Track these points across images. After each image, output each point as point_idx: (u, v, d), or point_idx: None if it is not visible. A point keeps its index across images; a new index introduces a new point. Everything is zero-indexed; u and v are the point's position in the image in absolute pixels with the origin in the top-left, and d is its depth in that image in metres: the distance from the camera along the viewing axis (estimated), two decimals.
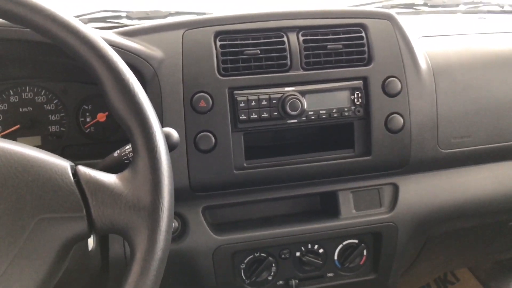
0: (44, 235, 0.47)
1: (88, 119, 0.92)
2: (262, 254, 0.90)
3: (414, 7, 1.34)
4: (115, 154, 0.64)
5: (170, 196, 0.50)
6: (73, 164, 0.52)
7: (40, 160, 0.49)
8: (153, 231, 0.48)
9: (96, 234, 0.50)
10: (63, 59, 0.83)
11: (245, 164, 0.85)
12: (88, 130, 0.92)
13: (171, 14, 1.25)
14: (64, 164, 0.50)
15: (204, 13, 1.30)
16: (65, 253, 0.49)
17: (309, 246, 0.92)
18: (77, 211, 0.48)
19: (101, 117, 0.92)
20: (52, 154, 0.52)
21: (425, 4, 1.35)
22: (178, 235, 0.85)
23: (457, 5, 1.34)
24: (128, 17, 1.15)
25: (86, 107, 0.92)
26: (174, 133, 0.60)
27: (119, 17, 1.14)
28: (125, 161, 0.63)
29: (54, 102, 0.91)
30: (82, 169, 0.51)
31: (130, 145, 0.63)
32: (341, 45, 0.86)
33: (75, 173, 0.50)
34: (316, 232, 0.91)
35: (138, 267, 0.46)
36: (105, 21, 1.10)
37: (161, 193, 0.49)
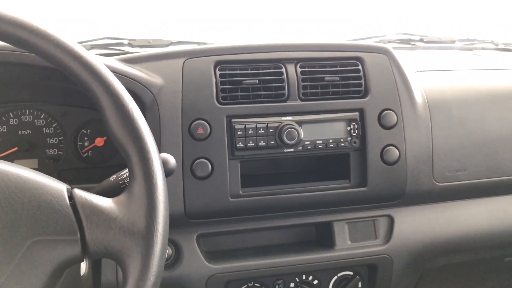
0: (37, 257, 0.46)
1: (86, 144, 0.92)
2: (256, 284, 0.89)
3: (411, 43, 1.37)
4: (112, 178, 0.64)
5: (165, 221, 0.50)
6: (69, 187, 0.52)
7: (37, 182, 0.49)
8: (147, 256, 0.47)
9: (89, 258, 0.50)
10: (63, 83, 0.85)
11: (241, 192, 0.85)
12: (86, 154, 0.92)
13: (172, 43, 1.28)
14: (60, 187, 0.50)
15: (205, 43, 1.33)
16: (57, 276, 0.49)
17: (304, 277, 0.91)
18: (71, 234, 0.48)
19: (99, 141, 0.92)
20: (49, 177, 0.52)
21: (421, 40, 1.38)
22: (171, 262, 0.85)
23: (453, 42, 1.37)
24: (130, 45, 1.18)
25: (85, 132, 0.92)
26: (171, 159, 0.61)
27: (121, 44, 1.16)
28: (122, 186, 0.63)
29: (53, 125, 0.91)
30: (78, 192, 0.51)
31: (127, 170, 0.63)
32: (338, 77, 0.88)
33: (71, 196, 0.50)
34: (311, 263, 0.90)
35: None
36: (107, 48, 1.12)
37: (156, 218, 0.49)
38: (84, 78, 0.52)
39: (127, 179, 0.63)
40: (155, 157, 0.51)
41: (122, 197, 0.51)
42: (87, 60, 0.52)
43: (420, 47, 1.35)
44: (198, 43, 1.33)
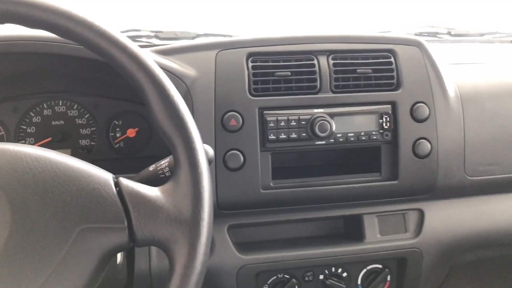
0: (86, 244, 0.47)
1: (118, 134, 0.93)
2: (285, 276, 0.90)
3: (438, 36, 1.35)
4: (151, 168, 0.65)
5: (211, 210, 0.50)
6: (114, 176, 0.53)
7: (84, 171, 0.50)
8: (194, 244, 0.48)
9: (135, 246, 0.50)
10: (97, 74, 0.86)
11: (271, 184, 0.85)
12: (118, 145, 0.93)
13: (198, 35, 1.28)
14: (107, 176, 0.51)
15: (231, 35, 1.33)
16: (104, 263, 0.49)
17: (333, 269, 0.91)
18: (119, 222, 0.48)
19: (131, 132, 0.93)
20: (94, 166, 0.52)
21: (448, 33, 1.36)
22: None
23: (481, 35, 1.35)
24: (157, 37, 1.18)
25: (117, 123, 0.93)
26: (210, 150, 0.61)
27: (148, 36, 1.17)
28: (161, 176, 0.64)
29: (86, 116, 0.92)
30: (123, 181, 0.51)
31: (166, 160, 0.64)
32: (370, 70, 0.87)
33: (116, 185, 0.51)
34: (340, 256, 0.90)
35: (178, 280, 0.47)
36: (135, 40, 1.12)
37: (202, 207, 0.49)
38: (130, 69, 0.52)
39: (166, 169, 0.63)
40: (200, 147, 0.52)
41: (168, 185, 0.51)
42: (132, 51, 0.52)
43: (448, 40, 1.33)
44: (225, 35, 1.33)
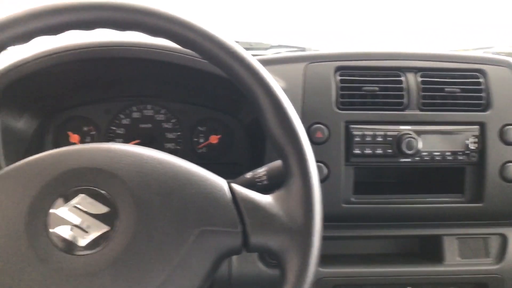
0: (204, 246, 0.49)
1: (201, 140, 0.96)
2: None
3: None
4: (248, 175, 0.66)
5: (321, 221, 0.51)
6: (226, 181, 0.54)
7: (201, 175, 0.52)
8: (306, 254, 0.49)
9: (246, 251, 0.52)
10: (185, 80, 0.89)
11: (352, 199, 0.85)
12: (201, 150, 0.96)
13: (272, 47, 1.30)
14: (221, 181, 0.53)
15: (304, 48, 1.35)
16: (217, 266, 0.51)
17: None
18: (234, 227, 0.50)
19: (214, 139, 0.96)
20: (208, 171, 0.54)
21: None
22: None
23: None
24: None
25: (200, 129, 0.96)
26: None
27: None
28: (258, 183, 0.65)
29: (172, 121, 0.96)
30: (236, 187, 0.53)
31: (264, 169, 0.65)
32: (458, 89, 0.86)
33: (230, 190, 0.53)
34: (418, 276, 0.88)
35: None
36: None
37: (315, 217, 0.50)
38: (246, 80, 0.54)
39: (264, 178, 0.65)
40: (312, 159, 0.53)
41: (279, 194, 0.53)
42: (249, 62, 0.54)
43: None
44: (297, 48, 1.34)
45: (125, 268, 0.46)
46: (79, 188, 0.49)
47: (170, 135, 0.96)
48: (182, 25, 0.54)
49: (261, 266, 0.84)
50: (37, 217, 0.48)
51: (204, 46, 0.54)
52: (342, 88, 0.84)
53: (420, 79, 0.86)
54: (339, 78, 0.85)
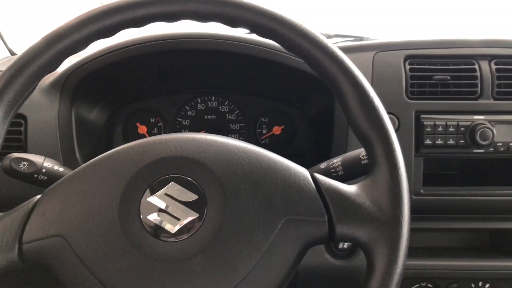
0: (290, 234, 0.49)
1: (264, 131, 0.96)
2: (428, 285, 0.87)
3: None
4: (322, 166, 0.66)
5: (409, 212, 0.50)
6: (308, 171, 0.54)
7: (284, 164, 0.52)
8: (396, 245, 0.48)
9: (332, 241, 0.51)
10: (249, 72, 0.89)
11: (422, 191, 0.83)
12: (264, 141, 0.96)
13: (330, 37, 1.29)
14: (304, 170, 0.53)
15: (361, 37, 1.33)
16: (302, 255, 0.51)
17: (480, 283, 0.87)
18: (320, 216, 0.50)
19: (277, 130, 0.96)
20: (289, 160, 0.55)
21: None
22: (349, 252, 0.86)
23: None
24: None
25: (263, 120, 0.96)
26: None
27: None
28: (333, 174, 0.65)
29: (235, 112, 0.97)
30: (319, 177, 0.53)
31: (339, 159, 0.65)
32: None
33: (313, 180, 0.53)
34: (489, 270, 0.85)
35: (381, 278, 0.47)
36: None
37: (403, 207, 0.49)
38: (330, 69, 0.53)
39: (339, 168, 0.64)
40: (398, 148, 0.52)
41: (365, 183, 0.52)
42: (333, 52, 0.53)
43: None
44: (355, 37, 1.32)
45: (215, 255, 0.47)
46: (169, 176, 0.50)
47: (233, 126, 0.97)
48: (263, 15, 0.54)
49: (328, 257, 0.84)
50: (130, 204, 0.49)
51: (285, 35, 0.54)
52: (412, 77, 0.82)
53: (494, 66, 0.83)
54: (408, 67, 0.83)
